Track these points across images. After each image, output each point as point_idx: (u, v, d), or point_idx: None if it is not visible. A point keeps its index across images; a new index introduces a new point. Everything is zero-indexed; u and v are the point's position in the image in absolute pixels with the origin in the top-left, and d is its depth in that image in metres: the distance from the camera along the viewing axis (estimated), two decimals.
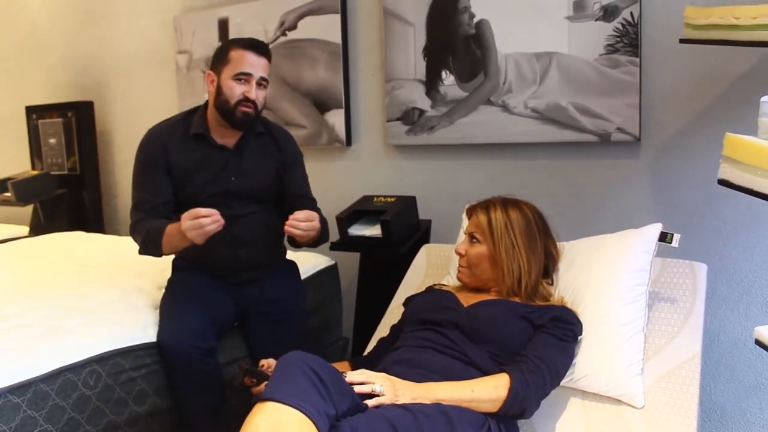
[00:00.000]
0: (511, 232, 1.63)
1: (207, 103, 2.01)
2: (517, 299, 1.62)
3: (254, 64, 1.90)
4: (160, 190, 1.95)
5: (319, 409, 1.14)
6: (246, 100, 1.90)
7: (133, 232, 1.95)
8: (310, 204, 2.12)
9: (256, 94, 1.91)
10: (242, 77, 1.89)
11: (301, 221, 1.83)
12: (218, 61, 1.94)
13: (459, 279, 1.74)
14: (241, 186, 1.98)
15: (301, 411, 1.12)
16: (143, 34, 3.60)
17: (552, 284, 1.74)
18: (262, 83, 1.94)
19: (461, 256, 1.70)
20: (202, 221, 1.71)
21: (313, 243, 2.01)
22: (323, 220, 2.05)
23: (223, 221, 1.74)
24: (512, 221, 1.64)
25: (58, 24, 4.02)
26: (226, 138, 1.99)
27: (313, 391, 1.17)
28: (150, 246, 1.89)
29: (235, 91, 1.89)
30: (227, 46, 1.94)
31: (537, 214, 1.70)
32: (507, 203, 1.68)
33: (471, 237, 1.69)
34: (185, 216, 1.73)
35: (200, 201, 1.89)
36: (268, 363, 1.57)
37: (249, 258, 2.02)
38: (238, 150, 1.99)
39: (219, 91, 1.91)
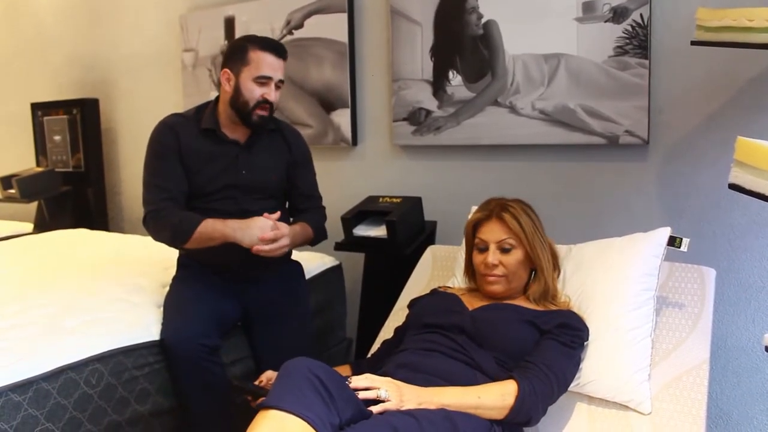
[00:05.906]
0: (538, 231, 1.62)
1: (217, 98, 2.02)
2: (522, 301, 1.61)
3: (275, 66, 1.93)
4: (177, 178, 1.94)
5: (322, 418, 1.12)
6: (265, 101, 1.93)
7: (155, 220, 1.91)
8: (317, 203, 2.18)
9: (274, 95, 1.94)
10: (263, 80, 1.91)
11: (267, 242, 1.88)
12: (236, 59, 1.93)
13: (491, 291, 1.62)
14: (251, 180, 1.99)
15: (305, 419, 1.11)
16: (149, 33, 3.59)
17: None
18: (279, 85, 1.97)
19: (495, 266, 1.60)
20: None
21: (311, 243, 2.11)
22: (319, 221, 2.13)
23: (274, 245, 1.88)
24: (533, 220, 1.63)
25: (65, 23, 4.02)
26: (236, 133, 2.01)
27: (317, 399, 1.15)
28: (178, 235, 1.89)
29: (255, 93, 1.92)
30: (245, 45, 1.93)
31: (532, 210, 1.68)
32: (516, 203, 1.66)
33: (502, 246, 1.60)
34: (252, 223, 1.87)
35: (209, 193, 1.94)
36: (267, 376, 1.54)
37: (256, 255, 2.00)
38: (249, 145, 2.01)
39: (238, 91, 1.92)
